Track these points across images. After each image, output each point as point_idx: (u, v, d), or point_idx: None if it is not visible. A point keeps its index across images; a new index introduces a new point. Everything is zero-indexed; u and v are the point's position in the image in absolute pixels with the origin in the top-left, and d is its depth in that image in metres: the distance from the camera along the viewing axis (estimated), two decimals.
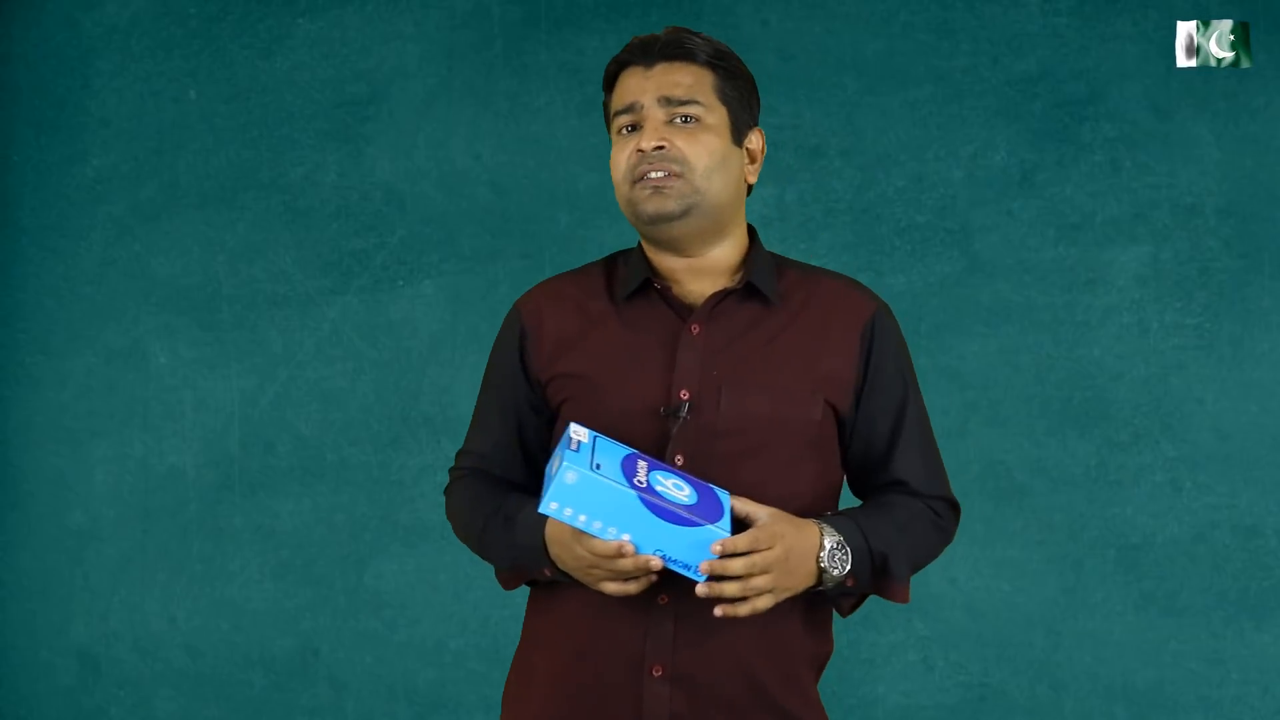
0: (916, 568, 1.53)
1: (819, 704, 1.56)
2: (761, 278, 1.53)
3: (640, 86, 1.49)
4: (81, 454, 2.99)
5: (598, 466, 1.33)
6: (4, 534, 3.02)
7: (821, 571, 1.43)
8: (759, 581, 1.37)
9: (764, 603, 1.38)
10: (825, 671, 1.61)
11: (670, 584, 1.43)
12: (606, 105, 1.55)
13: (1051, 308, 2.75)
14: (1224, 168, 2.71)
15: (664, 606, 1.45)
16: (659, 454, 1.46)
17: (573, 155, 2.86)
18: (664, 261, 1.55)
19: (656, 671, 1.46)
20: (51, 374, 3.01)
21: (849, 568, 1.43)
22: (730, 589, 1.36)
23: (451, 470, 1.66)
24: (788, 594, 1.41)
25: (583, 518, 1.34)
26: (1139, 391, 2.72)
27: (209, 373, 2.96)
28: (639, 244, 1.59)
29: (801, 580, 1.42)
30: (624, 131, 1.50)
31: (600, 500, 1.33)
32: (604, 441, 1.40)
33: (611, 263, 1.61)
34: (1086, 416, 2.73)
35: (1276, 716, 2.69)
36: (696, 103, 1.48)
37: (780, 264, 1.58)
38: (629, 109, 1.49)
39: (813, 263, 1.67)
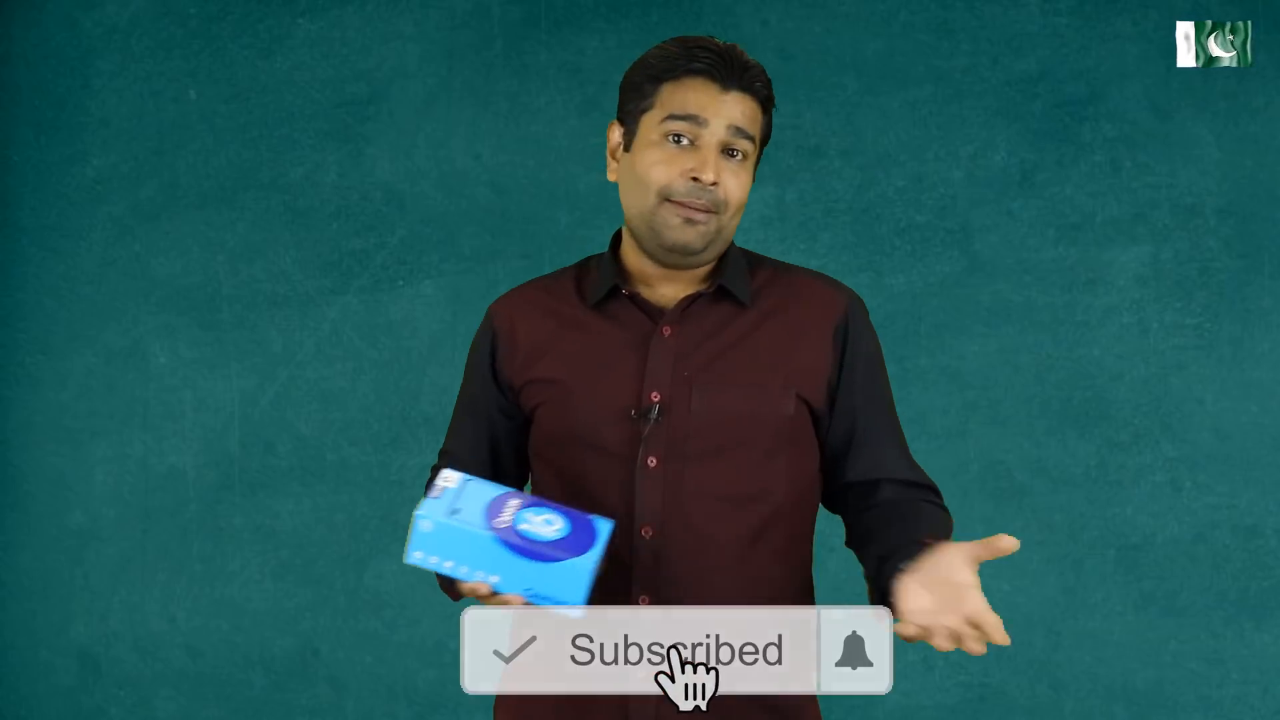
0: None
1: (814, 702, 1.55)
2: (733, 280, 1.53)
3: (714, 107, 1.45)
4: (81, 454, 2.99)
5: (455, 511, 1.35)
6: (4, 534, 3.02)
7: None
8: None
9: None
10: None
11: (648, 585, 1.43)
12: (650, 95, 1.48)
13: (1051, 308, 2.75)
14: (1224, 168, 2.71)
15: (645, 605, 1.45)
16: (631, 456, 1.47)
17: (573, 155, 2.86)
18: (640, 265, 1.54)
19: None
20: (51, 374, 3.01)
21: None
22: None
23: (432, 468, 1.67)
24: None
25: (449, 564, 1.35)
26: (1139, 391, 2.72)
27: (209, 373, 2.96)
28: (611, 244, 1.58)
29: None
30: (672, 139, 1.46)
31: (459, 545, 1.34)
32: (476, 484, 1.40)
33: (583, 268, 1.61)
34: (1086, 416, 2.73)
35: (1276, 716, 2.69)
36: (752, 141, 1.48)
37: (753, 262, 1.58)
38: (692, 119, 1.45)
39: (812, 263, 1.67)
